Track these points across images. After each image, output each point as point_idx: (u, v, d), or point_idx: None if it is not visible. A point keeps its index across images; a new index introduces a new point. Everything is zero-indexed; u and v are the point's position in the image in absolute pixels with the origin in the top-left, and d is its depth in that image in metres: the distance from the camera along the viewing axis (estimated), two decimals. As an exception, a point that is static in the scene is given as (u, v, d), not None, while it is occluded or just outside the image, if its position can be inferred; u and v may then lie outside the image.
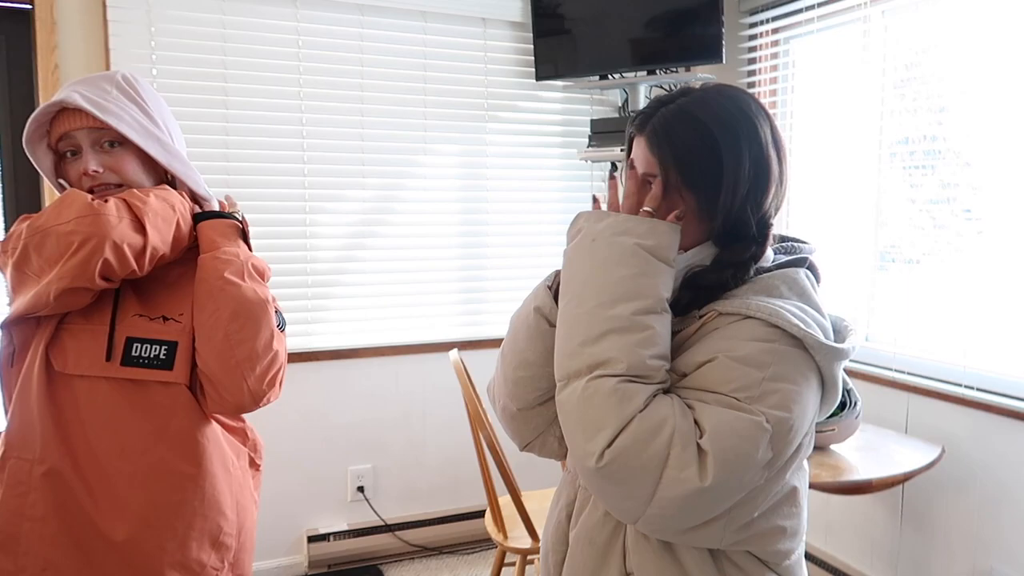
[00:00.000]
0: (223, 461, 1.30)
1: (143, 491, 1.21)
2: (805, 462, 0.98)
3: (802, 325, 0.88)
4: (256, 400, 1.25)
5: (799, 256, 1.00)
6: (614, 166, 3.04)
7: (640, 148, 0.97)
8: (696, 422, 0.84)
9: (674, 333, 0.94)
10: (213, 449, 1.27)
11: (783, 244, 1.04)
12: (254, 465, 1.44)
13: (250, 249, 1.35)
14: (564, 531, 1.06)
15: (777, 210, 0.98)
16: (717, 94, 0.96)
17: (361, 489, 2.89)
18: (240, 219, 1.35)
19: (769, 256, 0.99)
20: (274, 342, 1.26)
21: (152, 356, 1.22)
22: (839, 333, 1.00)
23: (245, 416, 1.43)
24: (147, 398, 1.22)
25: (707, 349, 0.89)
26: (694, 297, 0.94)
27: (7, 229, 2.43)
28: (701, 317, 0.94)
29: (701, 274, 0.94)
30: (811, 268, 1.01)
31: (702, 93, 0.96)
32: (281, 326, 1.34)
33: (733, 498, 0.84)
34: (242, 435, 1.41)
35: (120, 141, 1.25)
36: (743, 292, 0.93)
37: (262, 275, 1.31)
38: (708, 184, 0.92)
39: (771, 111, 1.00)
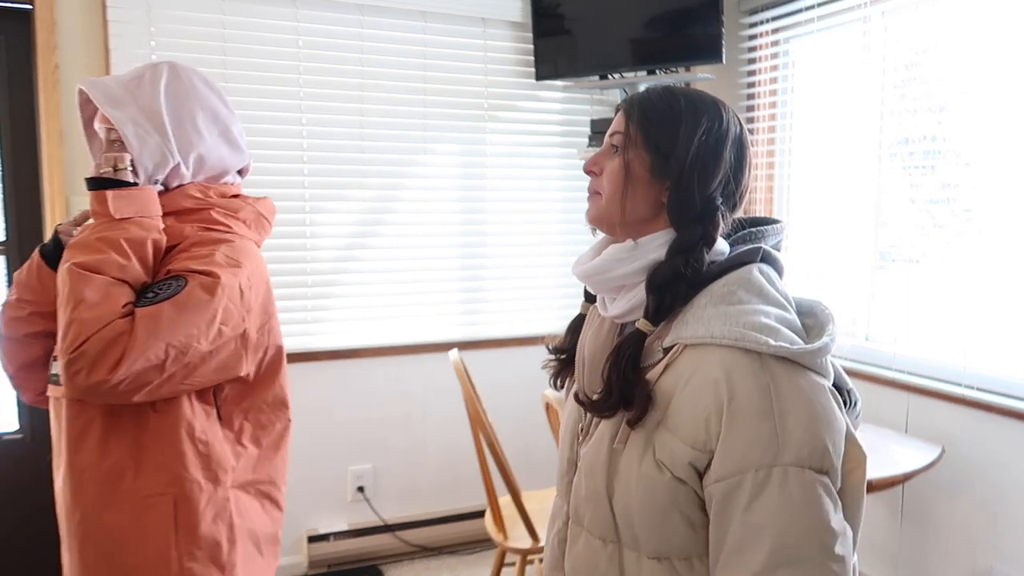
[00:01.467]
0: (166, 477, 1.22)
1: (90, 510, 1.24)
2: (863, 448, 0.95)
3: (772, 340, 0.86)
4: (65, 367, 1.10)
5: (752, 248, 0.97)
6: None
7: (618, 115, 1.01)
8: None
9: (642, 369, 0.92)
10: (127, 465, 1.22)
11: (743, 232, 1.01)
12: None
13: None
14: (557, 557, 1.06)
15: (728, 206, 0.96)
16: (701, 90, 1.01)
17: (361, 489, 2.89)
18: (103, 174, 1.23)
19: (724, 249, 0.97)
20: (71, 306, 1.12)
21: (55, 373, 1.25)
22: (814, 316, 0.97)
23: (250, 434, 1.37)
24: (71, 417, 1.24)
25: (708, 415, 0.86)
26: (660, 300, 0.92)
27: (7, 229, 2.43)
28: (666, 351, 0.91)
29: (657, 270, 0.93)
30: (767, 258, 0.98)
31: (690, 86, 1.03)
32: (153, 299, 1.16)
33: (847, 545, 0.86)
34: (223, 446, 1.31)
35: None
36: (701, 305, 0.91)
37: (87, 248, 1.18)
38: (664, 142, 0.94)
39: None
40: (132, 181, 1.24)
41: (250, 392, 1.34)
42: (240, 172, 1.45)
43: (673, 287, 0.91)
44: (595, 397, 0.94)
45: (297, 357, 2.75)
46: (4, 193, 2.42)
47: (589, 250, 1.05)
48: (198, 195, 1.33)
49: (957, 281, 2.39)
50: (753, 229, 1.01)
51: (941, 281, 2.46)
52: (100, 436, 1.21)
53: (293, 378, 2.73)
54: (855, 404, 0.98)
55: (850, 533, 0.87)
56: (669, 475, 0.88)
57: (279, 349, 1.39)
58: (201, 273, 1.20)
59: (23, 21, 2.38)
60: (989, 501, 2.27)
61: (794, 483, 0.83)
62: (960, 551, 2.35)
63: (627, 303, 0.96)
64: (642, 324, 0.93)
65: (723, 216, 0.95)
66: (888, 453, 2.22)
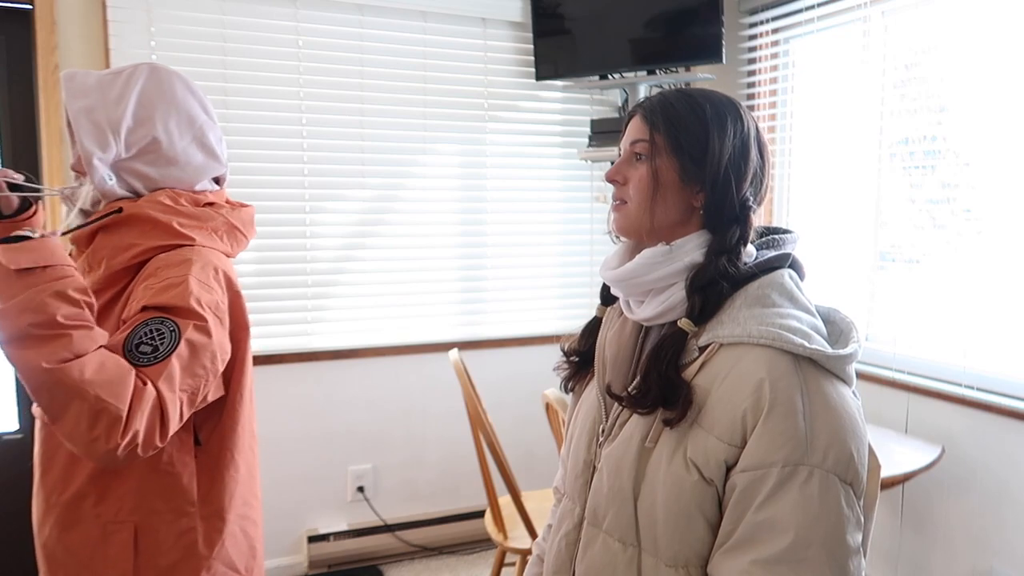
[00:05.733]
0: (127, 505, 1.21)
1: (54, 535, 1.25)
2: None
3: (806, 343, 0.88)
4: (103, 457, 1.03)
5: (781, 253, 0.99)
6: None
7: (634, 122, 1.00)
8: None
9: (680, 367, 0.93)
10: (90, 491, 1.21)
11: (765, 239, 1.02)
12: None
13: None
14: (565, 560, 1.05)
15: (757, 202, 0.98)
16: (713, 90, 1.02)
17: (361, 489, 2.89)
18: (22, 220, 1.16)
19: (751, 252, 0.98)
20: (79, 401, 1.00)
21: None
22: (834, 324, 0.99)
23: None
24: (44, 438, 1.25)
25: (744, 410, 0.86)
26: (704, 300, 0.93)
27: (7, 229, 2.42)
28: (701, 350, 0.92)
29: (700, 273, 0.94)
30: (794, 264, 1.00)
31: (700, 87, 1.02)
32: (156, 355, 1.10)
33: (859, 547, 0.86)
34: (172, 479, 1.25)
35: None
36: (736, 306, 0.92)
37: (43, 310, 1.02)
38: (695, 149, 0.95)
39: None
40: (30, 235, 1.08)
41: (223, 407, 1.31)
42: (217, 181, 1.39)
43: (717, 287, 0.93)
44: (633, 391, 0.94)
45: (297, 357, 2.75)
46: (4, 193, 2.42)
47: (614, 254, 1.05)
48: (167, 202, 1.26)
49: (957, 281, 2.39)
50: (776, 236, 1.02)
51: (941, 281, 2.46)
52: (67, 459, 1.21)
53: (293, 378, 2.76)
54: None
55: (863, 561, 0.87)
56: (697, 476, 0.89)
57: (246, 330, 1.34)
58: (182, 311, 1.14)
59: (23, 21, 2.38)
60: (989, 501, 2.27)
61: (816, 485, 0.83)
62: (960, 551, 2.35)
63: (659, 306, 0.96)
64: (684, 324, 0.93)
65: (754, 213, 0.97)
66: (888, 453, 2.22)
